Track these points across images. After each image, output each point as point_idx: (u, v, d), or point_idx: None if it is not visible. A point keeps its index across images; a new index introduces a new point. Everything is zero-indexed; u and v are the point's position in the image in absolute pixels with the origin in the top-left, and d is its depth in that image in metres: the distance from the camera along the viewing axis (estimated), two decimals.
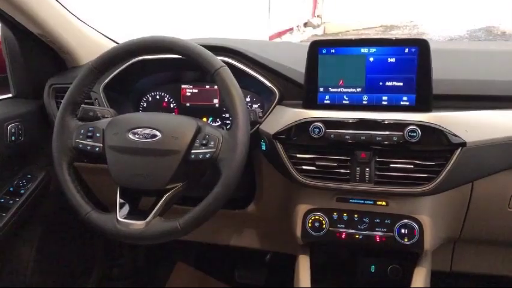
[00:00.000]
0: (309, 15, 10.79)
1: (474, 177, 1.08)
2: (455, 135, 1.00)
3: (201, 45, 1.04)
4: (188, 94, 1.35)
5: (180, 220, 0.97)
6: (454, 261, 1.35)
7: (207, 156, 0.98)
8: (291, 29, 9.71)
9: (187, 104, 1.36)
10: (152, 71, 1.36)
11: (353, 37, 1.09)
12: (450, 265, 1.35)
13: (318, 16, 10.88)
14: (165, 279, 1.87)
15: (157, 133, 1.01)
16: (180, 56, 1.04)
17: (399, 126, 1.02)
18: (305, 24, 10.27)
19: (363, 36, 1.06)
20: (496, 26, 9.92)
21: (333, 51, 1.08)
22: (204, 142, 0.99)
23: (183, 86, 1.36)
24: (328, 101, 1.10)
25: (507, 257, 1.34)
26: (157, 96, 1.38)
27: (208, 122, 1.34)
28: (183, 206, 1.16)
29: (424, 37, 1.07)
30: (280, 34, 9.05)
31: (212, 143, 0.99)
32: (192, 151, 0.99)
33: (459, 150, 1.00)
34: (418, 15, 11.00)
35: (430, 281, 1.17)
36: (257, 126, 1.16)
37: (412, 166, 1.03)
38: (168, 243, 1.05)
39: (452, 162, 1.00)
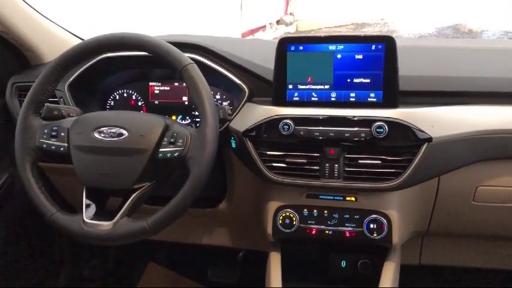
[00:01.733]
0: (281, 12, 10.81)
1: (440, 171, 1.10)
2: (422, 131, 1.01)
3: (168, 42, 1.03)
4: (156, 92, 1.33)
5: (148, 220, 0.96)
6: (423, 254, 1.37)
7: (175, 154, 0.97)
8: (264, 27, 9.72)
9: (156, 102, 1.34)
10: (119, 68, 1.33)
11: (321, 34, 1.09)
12: (419, 259, 1.38)
13: (290, 14, 10.91)
14: (137, 280, 1.84)
15: (124, 132, 1.00)
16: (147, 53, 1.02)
17: (367, 122, 1.03)
18: (278, 22, 10.28)
19: (335, 34, 1.06)
20: (463, 24, 10.15)
21: (301, 48, 1.08)
22: (172, 140, 0.98)
23: (151, 84, 1.33)
24: (297, 98, 1.10)
25: (473, 249, 1.38)
26: (125, 94, 1.35)
27: (178, 120, 1.32)
28: (153, 205, 1.14)
29: (394, 35, 1.08)
30: (253, 31, 9.04)
31: (180, 141, 0.98)
32: (160, 150, 0.98)
33: (425, 145, 1.01)
34: (389, 13, 11.18)
35: (399, 274, 1.19)
36: (227, 123, 1.15)
37: (379, 162, 1.04)
38: (139, 243, 1.04)
39: (419, 157, 1.02)
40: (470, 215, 1.19)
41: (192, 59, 1.03)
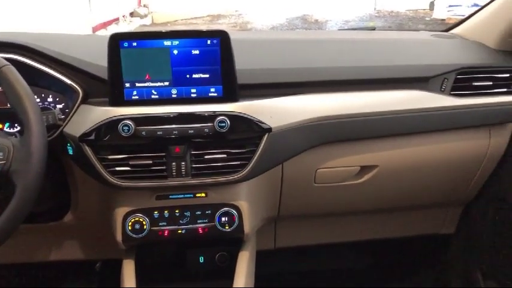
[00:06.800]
0: (135, 4, 10.44)
1: (282, 159, 1.15)
2: (261, 122, 1.04)
3: None
4: None
5: None
6: (277, 238, 1.44)
7: None
8: (117, 19, 9.29)
9: None
10: None
11: (156, 29, 1.06)
12: (274, 243, 1.44)
13: (144, 6, 10.59)
14: None
15: None
16: None
17: (209, 117, 1.03)
18: (131, 14, 9.91)
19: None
20: (310, 14, 10.95)
21: (135, 44, 1.03)
22: None
23: None
24: (136, 97, 1.05)
25: (323, 227, 1.49)
26: None
27: (5, 128, 1.17)
28: None
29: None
30: (105, 25, 8.57)
31: (1, 154, 0.87)
32: None
33: (266, 136, 1.05)
34: (243, 5, 11.54)
35: (255, 261, 1.23)
36: (60, 129, 1.05)
37: (225, 155, 1.05)
38: None
39: (261, 147, 1.05)
40: (314, 196, 1.27)
41: (10, 59, 0.93)
